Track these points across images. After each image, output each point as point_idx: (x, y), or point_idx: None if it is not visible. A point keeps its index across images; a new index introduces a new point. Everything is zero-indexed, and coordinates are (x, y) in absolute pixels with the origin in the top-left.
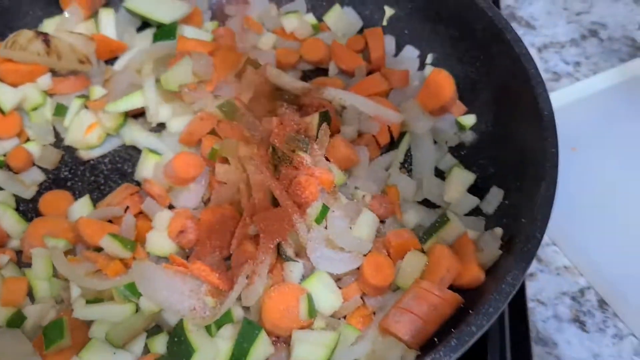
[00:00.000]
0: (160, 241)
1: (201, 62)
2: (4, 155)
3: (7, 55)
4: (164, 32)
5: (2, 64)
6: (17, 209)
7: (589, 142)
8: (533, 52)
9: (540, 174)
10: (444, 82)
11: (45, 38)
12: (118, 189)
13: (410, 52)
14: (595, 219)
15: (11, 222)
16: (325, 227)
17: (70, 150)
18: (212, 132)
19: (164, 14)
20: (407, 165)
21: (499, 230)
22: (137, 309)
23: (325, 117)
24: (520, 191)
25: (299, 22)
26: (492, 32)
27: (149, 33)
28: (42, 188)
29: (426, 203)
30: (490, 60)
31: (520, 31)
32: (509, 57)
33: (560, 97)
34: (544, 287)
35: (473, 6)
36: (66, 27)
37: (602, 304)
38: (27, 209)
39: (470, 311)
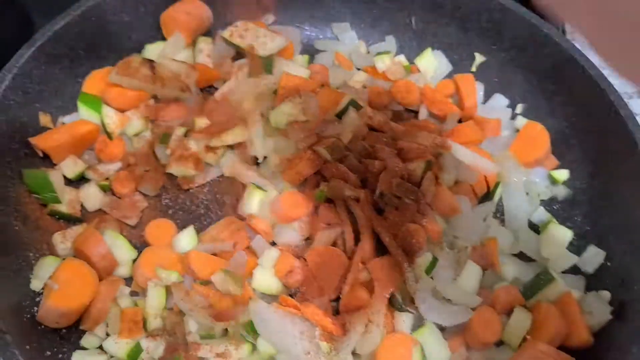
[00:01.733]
0: (267, 279)
1: (311, 102)
2: (107, 179)
3: (117, 80)
4: (263, 65)
5: (110, 88)
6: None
7: None
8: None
9: None
10: (539, 136)
11: (152, 65)
12: (222, 222)
13: (500, 101)
14: None
15: (122, 249)
16: (432, 278)
17: (171, 178)
18: (317, 173)
19: (261, 47)
20: (499, 215)
21: (605, 294)
22: (253, 349)
23: (429, 165)
24: (626, 255)
25: (391, 62)
26: (592, 91)
27: (243, 63)
28: (144, 215)
29: (521, 256)
30: (588, 117)
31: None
32: (612, 119)
33: None
34: None
35: (572, 63)
36: (168, 54)
37: None
38: (131, 236)
39: None
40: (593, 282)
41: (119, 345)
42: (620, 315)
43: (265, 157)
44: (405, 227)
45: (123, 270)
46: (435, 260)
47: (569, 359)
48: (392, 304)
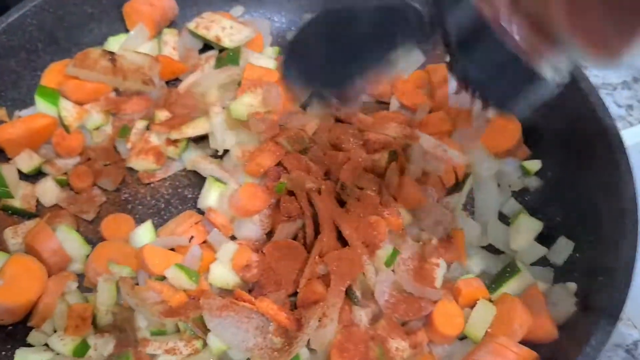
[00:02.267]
0: (224, 274)
1: (272, 93)
2: (65, 174)
3: (75, 73)
4: (229, 57)
5: (68, 81)
6: (77, 231)
7: None
8: None
9: (619, 231)
10: (510, 126)
11: (112, 57)
12: (181, 216)
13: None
14: None
15: (75, 245)
16: (393, 271)
17: (131, 172)
18: (278, 164)
19: (227, 39)
20: (469, 207)
21: (572, 286)
22: (204, 345)
23: (394, 156)
24: (594, 246)
25: None
26: None
27: (210, 55)
28: (102, 210)
29: (489, 248)
30: (559, 106)
31: None
32: (582, 107)
33: None
34: None
35: None
36: (131, 46)
37: None
38: (87, 231)
39: None
40: (561, 273)
41: (65, 342)
42: (584, 307)
43: (227, 150)
44: (366, 219)
45: (76, 266)
46: (395, 252)
47: (529, 352)
48: (350, 298)
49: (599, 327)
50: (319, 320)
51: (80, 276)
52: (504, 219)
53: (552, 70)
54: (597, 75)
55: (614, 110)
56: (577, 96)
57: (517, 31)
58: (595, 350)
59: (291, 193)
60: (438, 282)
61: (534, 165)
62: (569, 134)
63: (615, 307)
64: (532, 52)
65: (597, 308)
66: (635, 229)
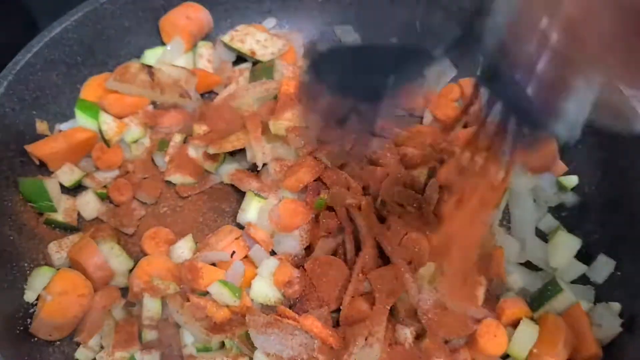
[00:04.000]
0: (265, 289)
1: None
2: (105, 187)
3: (115, 87)
4: (263, 70)
5: (107, 95)
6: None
7: None
8: None
9: None
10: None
11: (150, 71)
12: (221, 231)
13: None
14: None
15: (119, 259)
16: (435, 289)
17: (169, 186)
18: (318, 180)
19: (262, 52)
20: (505, 222)
21: (616, 306)
22: None
23: (433, 172)
24: (636, 264)
25: None
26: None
27: (244, 67)
28: (142, 223)
29: (528, 265)
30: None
31: None
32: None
33: None
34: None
35: None
36: (167, 59)
37: None
38: (128, 245)
39: None
40: (602, 292)
41: (113, 358)
42: (630, 328)
43: (265, 165)
44: (407, 235)
45: (119, 280)
46: (438, 269)
47: None
48: (394, 316)
49: None
50: (365, 339)
51: (123, 290)
52: (541, 235)
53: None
54: None
55: None
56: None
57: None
58: None
59: (330, 209)
60: (480, 300)
61: (571, 180)
62: (606, 148)
63: None
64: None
65: None
66: None
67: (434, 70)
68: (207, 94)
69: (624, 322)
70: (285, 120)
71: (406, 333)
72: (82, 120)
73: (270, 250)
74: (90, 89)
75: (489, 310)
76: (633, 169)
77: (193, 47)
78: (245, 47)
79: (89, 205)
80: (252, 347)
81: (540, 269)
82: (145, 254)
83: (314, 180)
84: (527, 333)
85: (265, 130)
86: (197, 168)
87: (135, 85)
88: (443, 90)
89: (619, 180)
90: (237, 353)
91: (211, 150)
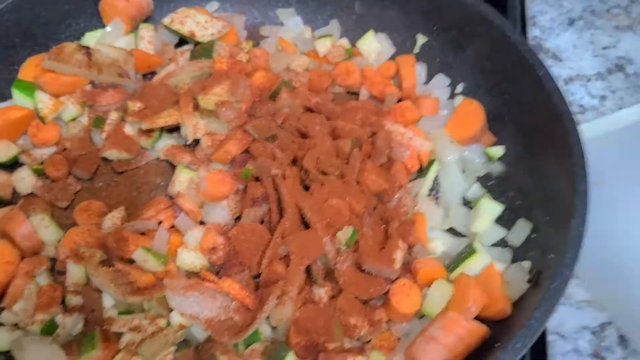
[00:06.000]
0: (190, 257)
1: (239, 84)
2: (42, 164)
3: (50, 67)
4: (202, 50)
5: (44, 74)
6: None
7: (614, 177)
8: (560, 84)
9: (570, 211)
10: (475, 113)
11: (87, 51)
12: (151, 202)
13: (441, 81)
14: (618, 254)
15: (48, 230)
16: (355, 251)
17: (106, 162)
18: (246, 151)
19: (201, 33)
20: (434, 192)
21: (526, 264)
22: (168, 324)
23: (357, 143)
24: (549, 226)
25: (332, 46)
26: (523, 67)
27: (186, 49)
28: (77, 197)
29: (453, 231)
30: (520, 93)
31: (547, 62)
32: (540, 93)
33: (586, 131)
34: (564, 321)
35: (505, 40)
36: (107, 41)
37: (623, 340)
38: (62, 217)
39: (496, 344)
40: (519, 254)
41: (33, 320)
42: (537, 283)
43: (199, 140)
44: (328, 202)
45: (50, 250)
46: (355, 233)
47: (479, 326)
48: (310, 277)
49: (544, 301)
50: (278, 299)
51: (55, 261)
52: (468, 204)
53: None
54: (572, 67)
55: (587, 101)
56: (537, 85)
57: None
58: (539, 323)
59: (258, 179)
60: (397, 263)
61: (497, 151)
62: (529, 120)
63: (560, 282)
64: None
65: (546, 284)
66: (585, 210)
67: (373, 48)
68: (150, 75)
69: (531, 278)
70: (214, 95)
71: (320, 293)
72: (19, 99)
73: (199, 220)
74: (29, 69)
75: (408, 272)
76: (548, 137)
77: (134, 29)
78: (184, 29)
79: (24, 180)
80: (170, 309)
81: (464, 236)
82: (77, 226)
83: (242, 152)
84: (439, 293)
85: (199, 106)
86: (133, 144)
87: (71, 65)
88: (380, 68)
89: (537, 148)
90: (155, 314)
91: (144, 126)
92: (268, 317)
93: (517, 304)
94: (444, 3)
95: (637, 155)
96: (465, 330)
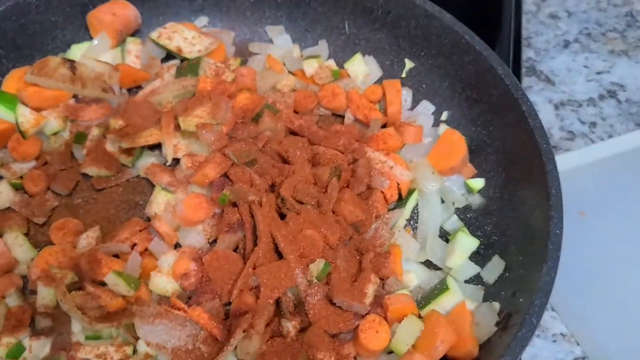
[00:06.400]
0: (163, 282)
1: (221, 106)
2: (21, 178)
3: (33, 80)
4: (189, 67)
5: (27, 87)
6: (27, 234)
7: (599, 208)
8: (550, 108)
9: (542, 255)
10: (457, 144)
11: (72, 65)
12: (127, 223)
13: (426, 107)
14: (597, 288)
15: (22, 248)
16: (326, 283)
17: (86, 178)
18: (225, 175)
19: (189, 49)
20: (412, 222)
21: (496, 305)
22: (134, 352)
23: (336, 172)
24: (521, 266)
25: (319, 67)
26: (508, 100)
27: (172, 64)
28: (54, 214)
29: (428, 263)
30: (503, 127)
31: (539, 85)
32: (523, 128)
33: (573, 159)
34: (538, 353)
35: (491, 71)
36: (94, 54)
37: None
38: (38, 234)
39: None
40: (491, 292)
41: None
42: (505, 327)
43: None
44: (302, 233)
45: (22, 269)
46: (327, 266)
47: None
48: (279, 309)
49: (509, 349)
50: (245, 332)
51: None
52: (445, 235)
53: None
54: (564, 91)
55: (577, 127)
56: (519, 118)
57: None
58: None
59: (235, 204)
60: (369, 297)
61: (478, 183)
62: (510, 155)
63: (527, 330)
64: None
65: (513, 330)
66: (558, 255)
67: (360, 70)
68: (136, 90)
69: (499, 321)
70: (196, 117)
71: (289, 327)
72: (1, 111)
73: (174, 242)
74: (11, 82)
75: (379, 307)
76: (527, 174)
77: (120, 43)
78: (172, 45)
79: (1, 194)
80: (137, 337)
81: (440, 269)
82: (52, 244)
83: (221, 176)
84: (408, 329)
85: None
86: (113, 161)
87: (54, 79)
88: (366, 91)
89: (516, 184)
90: (122, 342)
91: (124, 145)
92: (235, 349)
93: (484, 347)
94: (433, 29)
95: (623, 188)
96: None
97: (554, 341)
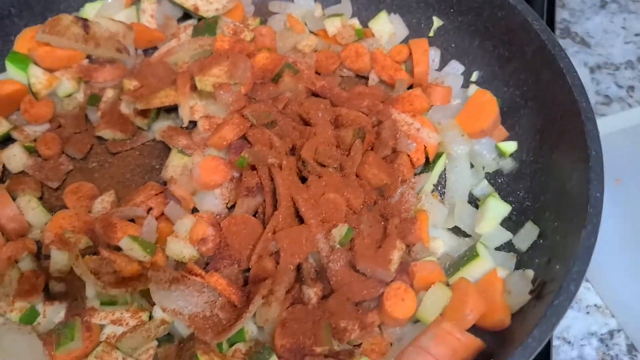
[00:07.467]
0: (179, 247)
1: (239, 65)
2: (34, 141)
3: (45, 39)
4: (205, 26)
5: (39, 47)
6: (41, 198)
7: (635, 175)
8: (585, 72)
9: (581, 219)
10: (488, 105)
11: (85, 24)
12: (142, 187)
13: (455, 68)
14: (634, 258)
15: (35, 212)
16: (350, 249)
17: (101, 141)
18: (243, 137)
19: (205, 8)
20: (440, 187)
21: (530, 273)
22: (150, 318)
23: (359, 133)
24: (557, 233)
25: (342, 25)
26: (544, 57)
27: (189, 24)
28: (69, 178)
29: (456, 230)
30: (539, 85)
31: (574, 48)
32: (560, 86)
33: (609, 124)
34: (571, 325)
35: (526, 26)
36: (107, 13)
37: (632, 349)
38: (52, 198)
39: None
40: (524, 259)
41: (12, 308)
42: (539, 295)
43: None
44: (324, 196)
45: (36, 233)
46: (350, 231)
47: (474, 340)
48: (300, 275)
49: (545, 318)
50: (264, 298)
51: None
52: (474, 201)
53: None
54: (601, 54)
55: (614, 91)
56: (556, 76)
57: None
58: (538, 342)
59: (254, 167)
60: (394, 265)
61: (510, 146)
62: (546, 116)
63: (564, 298)
64: None
65: (549, 299)
66: (598, 219)
67: (385, 29)
68: (152, 51)
69: (533, 290)
70: (213, 77)
71: (310, 293)
72: (12, 72)
73: (191, 208)
74: (24, 41)
75: (405, 275)
76: (564, 135)
77: (135, 1)
78: (188, 3)
79: (15, 158)
80: (153, 303)
81: (469, 235)
82: (66, 209)
83: (239, 138)
84: (436, 297)
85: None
86: (128, 124)
87: (67, 38)
88: (391, 51)
89: (552, 146)
90: (138, 307)
91: (139, 106)
92: (255, 316)
93: (517, 316)
94: None
95: None
96: (459, 343)
97: (587, 313)
